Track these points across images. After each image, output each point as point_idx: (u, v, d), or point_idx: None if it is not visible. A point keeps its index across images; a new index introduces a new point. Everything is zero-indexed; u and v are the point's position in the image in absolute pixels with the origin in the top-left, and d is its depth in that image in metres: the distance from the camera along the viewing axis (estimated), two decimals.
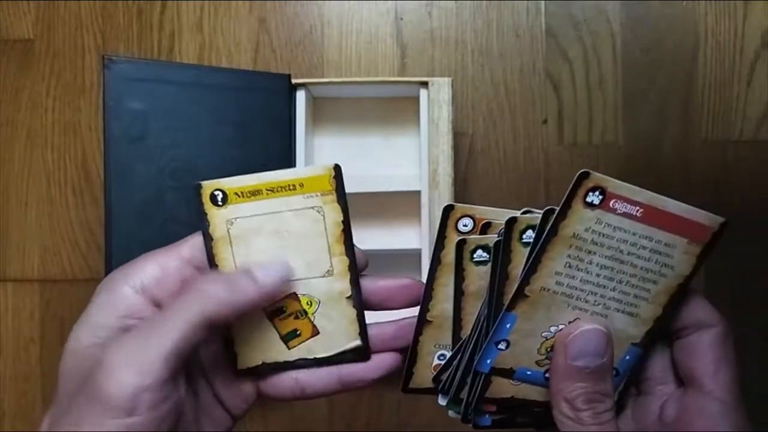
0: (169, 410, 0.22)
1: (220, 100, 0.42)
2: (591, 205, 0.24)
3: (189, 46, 0.51)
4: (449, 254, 0.26)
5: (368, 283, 0.27)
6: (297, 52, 0.51)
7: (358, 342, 0.27)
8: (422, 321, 0.26)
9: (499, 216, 0.26)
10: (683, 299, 0.25)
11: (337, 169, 0.27)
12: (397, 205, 0.48)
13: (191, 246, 0.26)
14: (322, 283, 0.26)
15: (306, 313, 0.26)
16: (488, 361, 0.25)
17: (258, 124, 0.43)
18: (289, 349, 0.27)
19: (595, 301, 0.25)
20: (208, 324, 0.22)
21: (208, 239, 0.26)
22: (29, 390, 0.50)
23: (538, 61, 0.51)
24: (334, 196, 0.26)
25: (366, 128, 0.50)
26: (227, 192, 0.26)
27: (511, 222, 0.25)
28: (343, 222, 0.26)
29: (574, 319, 0.25)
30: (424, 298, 0.26)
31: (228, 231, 0.26)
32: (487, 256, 0.25)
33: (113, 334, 0.23)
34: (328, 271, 0.26)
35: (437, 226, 0.26)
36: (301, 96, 0.45)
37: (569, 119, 0.51)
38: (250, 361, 0.26)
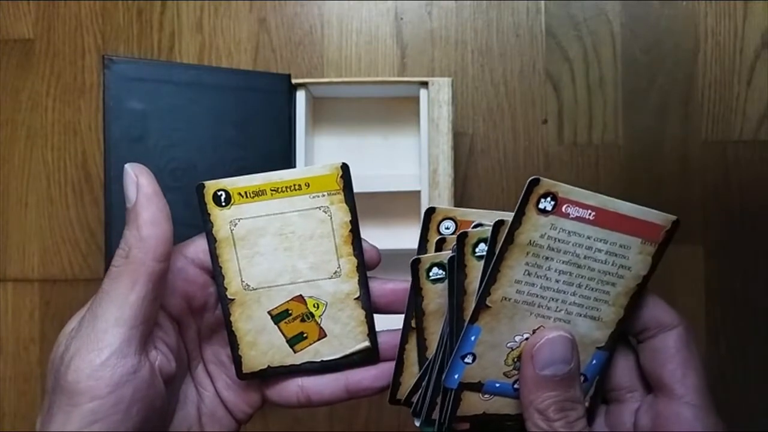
0: (135, 392, 0.22)
1: (220, 100, 0.42)
2: (544, 211, 0.24)
3: (189, 46, 0.51)
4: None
5: (376, 286, 0.27)
6: (297, 52, 0.51)
7: (366, 343, 0.26)
8: (407, 329, 0.26)
9: (481, 218, 0.25)
10: (641, 300, 0.25)
11: (345, 168, 0.27)
12: (397, 205, 0.48)
13: (196, 246, 0.26)
14: (329, 284, 0.26)
15: (312, 315, 0.26)
16: (456, 377, 0.25)
17: (258, 124, 0.43)
18: (295, 352, 0.26)
19: (557, 307, 0.24)
20: (146, 280, 0.22)
21: (211, 240, 0.25)
22: (29, 390, 0.50)
23: (538, 61, 0.51)
24: (341, 196, 0.26)
25: (366, 128, 0.50)
26: (231, 192, 0.25)
27: (462, 237, 0.24)
28: (351, 222, 0.26)
29: (538, 327, 0.24)
30: (409, 306, 0.26)
31: (231, 232, 0.25)
32: (443, 273, 0.25)
33: None
34: (336, 272, 0.26)
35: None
36: (301, 96, 0.45)
37: (569, 119, 0.51)
38: (255, 365, 0.26)
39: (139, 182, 0.23)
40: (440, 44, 0.51)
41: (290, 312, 0.26)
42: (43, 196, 0.50)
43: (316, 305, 0.26)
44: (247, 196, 0.25)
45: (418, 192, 0.44)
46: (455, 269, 0.24)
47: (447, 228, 0.26)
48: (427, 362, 0.25)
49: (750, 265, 0.51)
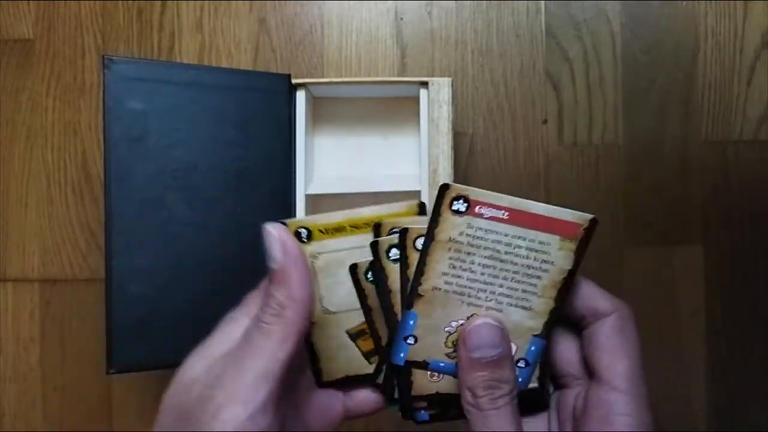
0: None
1: (220, 100, 0.42)
2: (458, 212, 0.26)
3: (189, 46, 0.51)
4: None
5: None
6: (297, 52, 0.51)
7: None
8: (413, 294, 0.27)
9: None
10: (576, 290, 0.27)
11: (421, 206, 0.29)
12: None
13: None
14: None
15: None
16: (401, 355, 0.27)
17: (258, 124, 0.43)
18: (370, 363, 0.29)
19: (487, 297, 0.27)
20: (297, 339, 0.24)
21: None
22: (29, 390, 0.50)
23: (538, 61, 0.51)
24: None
25: (366, 128, 0.50)
26: (312, 229, 0.27)
27: (374, 245, 0.27)
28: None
29: (471, 315, 0.27)
30: (416, 275, 0.27)
31: (313, 264, 0.27)
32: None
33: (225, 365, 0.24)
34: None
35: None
36: (301, 96, 0.45)
37: (569, 119, 0.51)
38: (334, 375, 0.28)
39: (286, 244, 0.25)
40: (440, 44, 0.51)
41: (366, 332, 0.28)
42: (43, 196, 0.50)
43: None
44: (327, 233, 0.27)
45: (418, 192, 0.44)
46: (400, 258, 0.27)
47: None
48: (384, 345, 0.28)
49: (750, 265, 0.51)
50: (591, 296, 0.27)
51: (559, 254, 0.26)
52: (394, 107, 0.49)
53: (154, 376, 0.50)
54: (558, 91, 0.51)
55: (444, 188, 0.26)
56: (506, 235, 0.26)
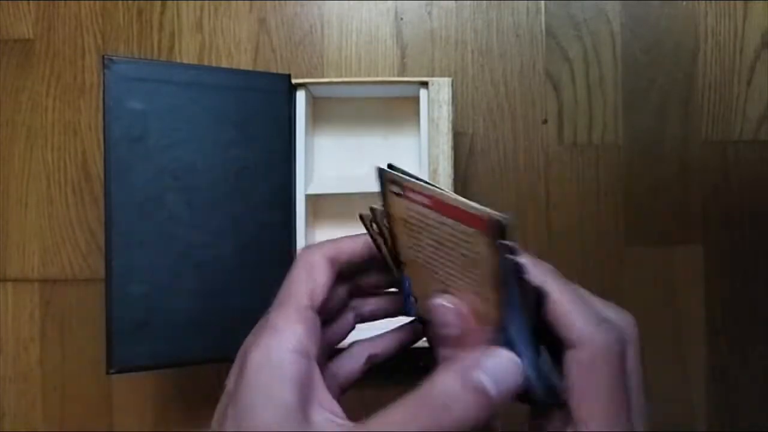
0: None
1: (220, 100, 0.42)
2: (397, 194, 0.26)
3: (189, 46, 0.51)
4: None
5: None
6: (297, 52, 0.51)
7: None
8: (397, 262, 0.28)
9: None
10: (543, 302, 0.25)
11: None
12: None
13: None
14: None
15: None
16: (412, 311, 0.29)
17: (258, 124, 0.43)
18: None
19: (446, 275, 0.26)
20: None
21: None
22: (29, 390, 0.50)
23: (538, 61, 0.51)
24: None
25: (366, 128, 0.50)
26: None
27: (374, 211, 0.28)
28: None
29: (441, 287, 0.27)
30: (393, 246, 0.28)
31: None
32: (401, 192, 0.28)
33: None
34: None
35: None
36: (301, 96, 0.45)
37: (569, 119, 0.51)
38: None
39: None
40: (440, 44, 0.51)
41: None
42: (43, 196, 0.50)
43: None
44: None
45: None
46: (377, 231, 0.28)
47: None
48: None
49: (750, 265, 0.51)
50: (557, 318, 0.24)
51: (484, 249, 0.25)
52: (394, 107, 0.49)
53: (154, 376, 0.50)
54: (558, 91, 0.51)
55: (378, 172, 0.27)
56: (439, 222, 0.26)
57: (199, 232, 0.41)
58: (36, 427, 0.50)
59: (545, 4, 0.51)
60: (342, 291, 0.29)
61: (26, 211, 0.50)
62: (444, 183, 0.43)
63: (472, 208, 0.24)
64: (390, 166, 0.27)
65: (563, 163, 0.51)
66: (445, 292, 0.26)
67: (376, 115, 0.50)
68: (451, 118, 0.44)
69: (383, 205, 0.27)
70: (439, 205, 0.26)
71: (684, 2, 0.52)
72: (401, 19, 0.51)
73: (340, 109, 0.50)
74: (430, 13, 0.51)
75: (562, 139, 0.51)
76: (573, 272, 0.50)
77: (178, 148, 0.41)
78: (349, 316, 0.30)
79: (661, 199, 0.51)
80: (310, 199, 0.46)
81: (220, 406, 0.24)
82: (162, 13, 0.51)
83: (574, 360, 0.23)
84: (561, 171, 0.51)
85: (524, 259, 0.24)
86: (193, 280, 0.41)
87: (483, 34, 0.51)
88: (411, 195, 0.26)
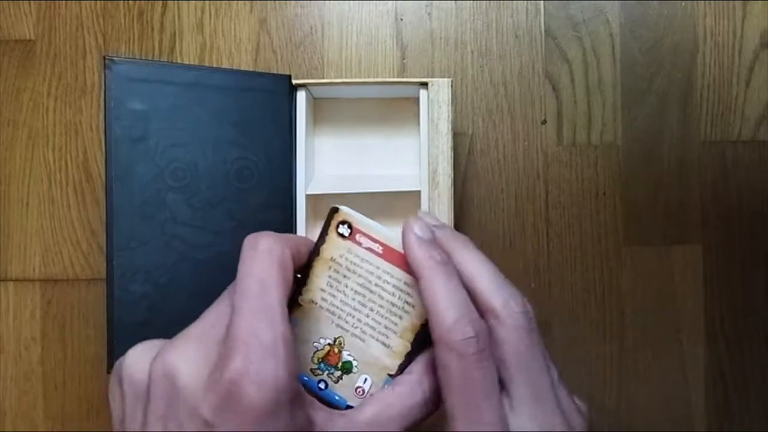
0: None
1: (220, 101, 0.42)
2: (342, 236, 0.27)
3: (190, 47, 0.51)
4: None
5: None
6: (297, 53, 0.51)
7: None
8: (294, 302, 0.28)
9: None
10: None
11: None
12: (397, 205, 0.49)
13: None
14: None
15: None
16: None
17: (259, 124, 0.43)
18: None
19: (354, 324, 0.27)
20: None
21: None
22: (30, 389, 0.50)
23: (538, 61, 0.51)
24: None
25: (366, 128, 0.50)
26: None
27: (334, 211, 0.28)
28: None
29: (338, 337, 0.27)
30: (299, 284, 0.28)
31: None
32: (348, 233, 0.28)
33: None
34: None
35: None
36: (301, 96, 0.45)
37: (568, 120, 0.51)
38: None
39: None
40: (440, 45, 0.51)
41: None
42: (45, 196, 0.50)
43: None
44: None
45: (418, 192, 0.44)
46: (320, 236, 0.28)
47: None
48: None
49: (750, 265, 0.51)
50: (429, 314, 0.24)
51: (420, 299, 0.26)
52: (394, 108, 0.50)
53: None
54: (557, 91, 0.51)
55: (333, 211, 0.27)
56: (378, 268, 0.27)
57: (199, 232, 0.41)
58: (37, 427, 0.50)
59: (544, 5, 0.51)
60: None
61: (27, 211, 0.50)
62: (444, 183, 0.44)
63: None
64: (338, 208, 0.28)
65: (562, 164, 0.51)
66: (336, 338, 0.27)
67: (376, 116, 0.50)
68: (450, 119, 0.44)
69: (316, 245, 0.27)
70: (389, 252, 0.27)
71: (683, 3, 0.52)
72: (401, 19, 0.51)
73: (341, 110, 0.50)
74: (429, 14, 0.51)
75: (561, 139, 0.51)
76: (572, 272, 0.51)
77: (179, 148, 0.41)
78: None
79: (660, 200, 0.51)
80: (310, 199, 0.46)
81: None
82: (163, 13, 0.51)
83: (436, 359, 0.24)
84: (560, 171, 0.51)
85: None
86: (194, 281, 0.41)
87: (482, 34, 0.51)
88: (360, 239, 0.27)
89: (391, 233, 0.27)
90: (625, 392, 0.50)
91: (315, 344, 0.27)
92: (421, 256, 0.25)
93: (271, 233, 0.26)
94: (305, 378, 0.28)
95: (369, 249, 0.27)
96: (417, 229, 0.26)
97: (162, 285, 0.40)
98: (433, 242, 0.26)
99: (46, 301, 0.50)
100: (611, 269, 0.51)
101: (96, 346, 0.49)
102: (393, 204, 0.49)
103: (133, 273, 0.40)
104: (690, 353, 0.51)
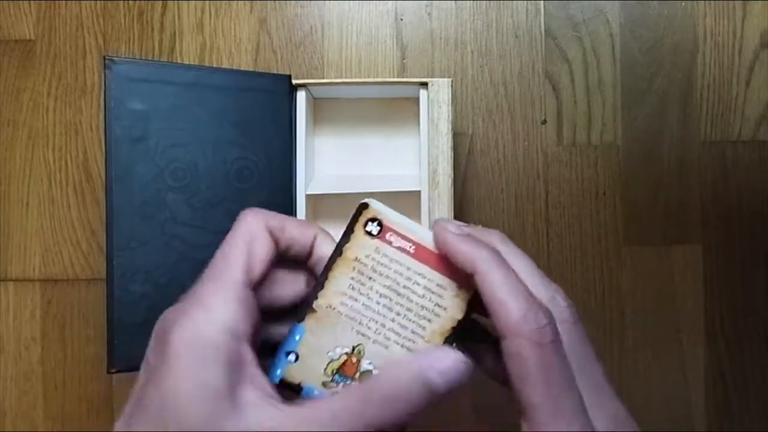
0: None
1: (221, 101, 0.42)
2: (370, 234, 0.26)
3: (190, 47, 0.51)
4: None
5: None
6: (297, 53, 0.51)
7: None
8: (307, 307, 0.26)
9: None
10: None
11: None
12: (397, 205, 0.48)
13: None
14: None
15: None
16: (278, 372, 0.26)
17: (259, 124, 0.43)
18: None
19: (377, 329, 0.25)
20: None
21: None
22: (30, 389, 0.50)
23: (538, 61, 0.51)
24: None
25: (366, 128, 0.50)
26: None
27: (363, 207, 0.26)
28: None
29: (358, 344, 0.25)
30: (315, 287, 0.26)
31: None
32: (378, 230, 0.27)
33: None
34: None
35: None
36: (301, 96, 0.45)
37: (568, 119, 0.51)
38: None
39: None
40: (440, 45, 0.51)
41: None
42: (45, 196, 0.50)
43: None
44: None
45: (418, 192, 0.44)
46: (345, 232, 0.26)
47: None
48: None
49: (750, 265, 0.51)
50: (488, 306, 0.23)
51: (453, 301, 0.25)
52: (394, 108, 0.50)
53: None
54: (557, 91, 0.51)
55: (362, 207, 0.26)
56: (408, 269, 0.25)
57: (199, 232, 0.41)
58: (37, 427, 0.50)
59: (544, 5, 0.51)
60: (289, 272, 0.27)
61: (27, 210, 0.50)
62: (443, 183, 0.44)
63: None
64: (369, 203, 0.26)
65: (562, 164, 0.51)
66: (355, 347, 0.25)
67: (376, 116, 0.50)
68: (450, 119, 0.44)
69: (339, 244, 0.26)
70: (422, 252, 0.25)
71: (683, 3, 0.52)
72: (401, 19, 0.51)
73: (341, 110, 0.50)
74: (429, 14, 0.51)
75: (561, 139, 0.51)
76: (572, 272, 0.51)
77: (179, 148, 0.41)
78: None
79: (660, 199, 0.51)
80: (311, 199, 0.46)
81: (140, 378, 0.24)
82: (163, 13, 0.51)
83: (505, 350, 0.23)
84: (560, 171, 0.51)
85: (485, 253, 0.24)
86: (194, 281, 0.41)
87: (482, 34, 0.51)
88: (391, 237, 0.25)
89: (424, 231, 0.26)
90: (625, 392, 0.50)
91: (330, 354, 0.25)
92: (469, 250, 0.24)
93: (257, 209, 0.26)
94: (315, 392, 0.25)
95: (400, 248, 0.25)
96: (452, 227, 0.25)
97: (162, 285, 0.40)
98: (475, 237, 0.25)
99: (46, 301, 0.50)
100: (611, 269, 0.51)
101: (96, 346, 0.49)
102: (393, 204, 0.48)
103: (133, 273, 0.40)
104: (690, 353, 0.51)
